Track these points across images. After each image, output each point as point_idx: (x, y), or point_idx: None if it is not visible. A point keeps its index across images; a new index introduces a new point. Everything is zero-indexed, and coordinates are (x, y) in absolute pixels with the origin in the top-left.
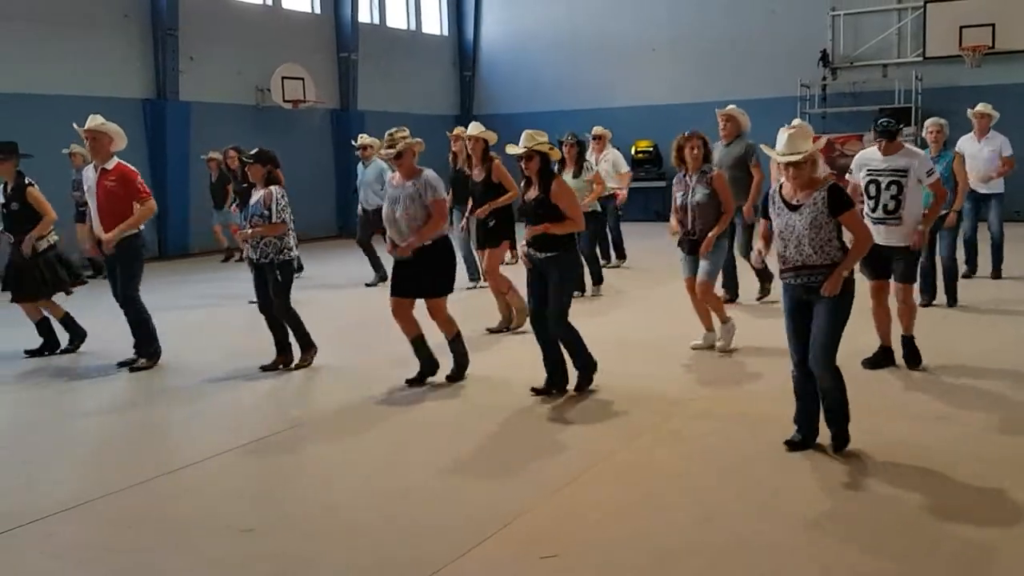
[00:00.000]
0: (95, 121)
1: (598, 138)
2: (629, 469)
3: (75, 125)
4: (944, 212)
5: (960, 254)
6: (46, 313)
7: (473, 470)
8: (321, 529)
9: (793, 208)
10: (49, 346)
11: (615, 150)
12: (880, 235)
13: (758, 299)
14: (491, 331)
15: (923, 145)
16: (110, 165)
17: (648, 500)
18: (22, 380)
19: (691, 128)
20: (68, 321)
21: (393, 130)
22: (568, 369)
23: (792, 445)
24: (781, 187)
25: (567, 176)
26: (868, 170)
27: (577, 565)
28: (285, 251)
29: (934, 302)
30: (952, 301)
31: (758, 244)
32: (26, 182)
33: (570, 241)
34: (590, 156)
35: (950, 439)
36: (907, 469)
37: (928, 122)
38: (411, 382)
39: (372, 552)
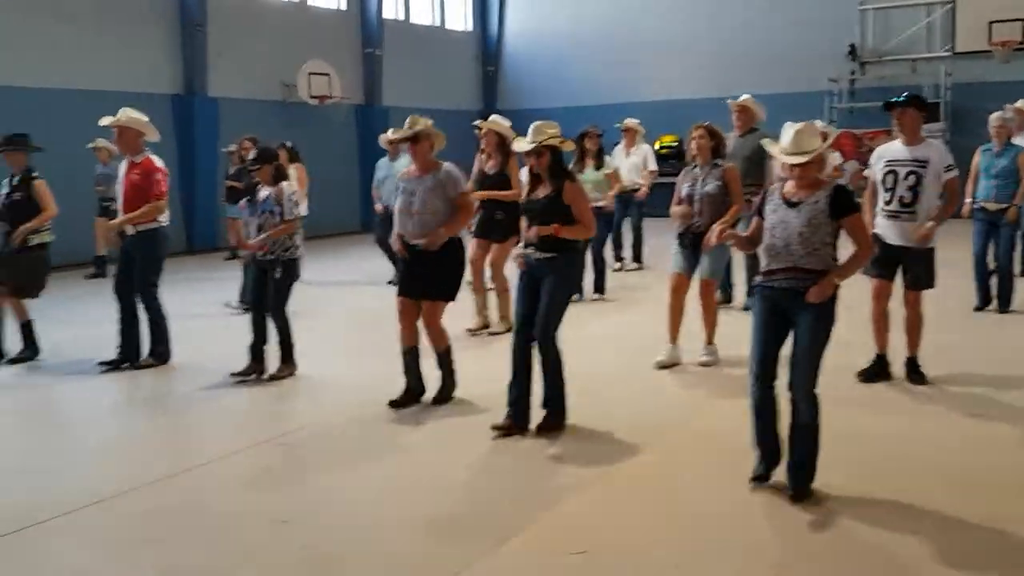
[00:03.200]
0: (124, 114)
1: (628, 131)
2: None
3: (104, 120)
4: (1006, 206)
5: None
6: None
7: (493, 468)
8: (351, 524)
9: (791, 205)
10: (32, 351)
11: (646, 145)
12: (892, 232)
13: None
14: (471, 332)
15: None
16: (139, 159)
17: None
18: (24, 378)
19: (710, 122)
20: (28, 331)
21: (412, 117)
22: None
23: (759, 480)
24: (783, 185)
25: (588, 169)
26: (886, 161)
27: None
28: (291, 249)
29: (988, 307)
30: (1004, 305)
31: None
32: (33, 174)
33: (573, 243)
34: (620, 150)
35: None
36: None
37: (992, 117)
38: (395, 404)
39: (405, 546)
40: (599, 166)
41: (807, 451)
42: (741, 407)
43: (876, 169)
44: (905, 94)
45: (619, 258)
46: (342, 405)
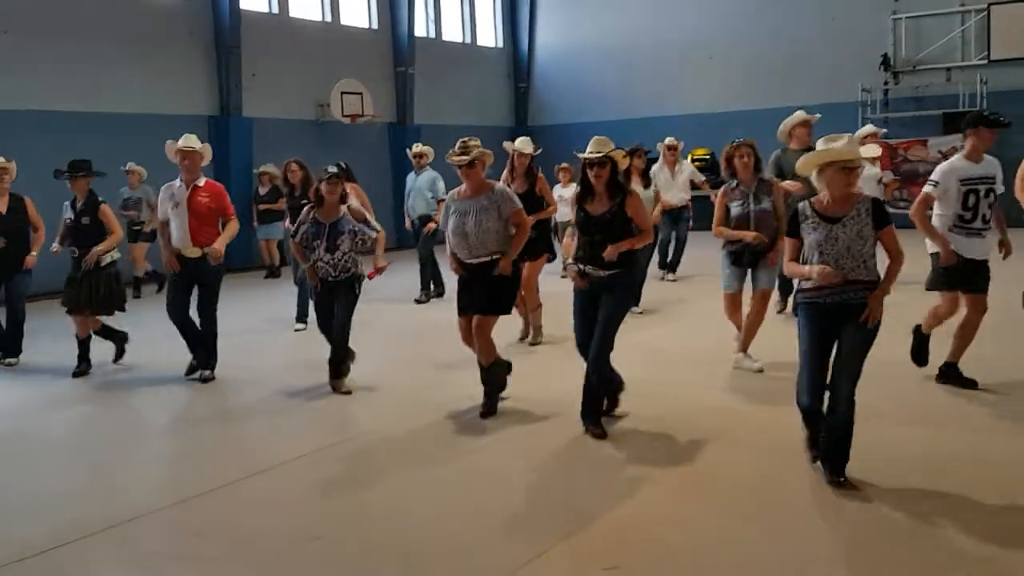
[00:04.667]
0: (189, 140)
1: (672, 148)
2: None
3: (181, 143)
4: None
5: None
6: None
7: (531, 486)
8: (381, 542)
9: (834, 220)
10: (87, 364)
11: (686, 161)
12: (972, 248)
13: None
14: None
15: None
16: (201, 182)
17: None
18: (77, 390)
19: (743, 136)
20: (106, 331)
21: (466, 138)
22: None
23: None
24: (811, 202)
25: (637, 187)
26: (962, 180)
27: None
28: (358, 263)
29: None
30: None
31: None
32: (99, 199)
33: (633, 257)
34: (663, 168)
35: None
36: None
37: None
38: (485, 414)
39: (437, 565)
40: (647, 184)
41: (845, 436)
42: (782, 412)
43: (949, 187)
44: (994, 113)
45: (670, 270)
46: (388, 419)
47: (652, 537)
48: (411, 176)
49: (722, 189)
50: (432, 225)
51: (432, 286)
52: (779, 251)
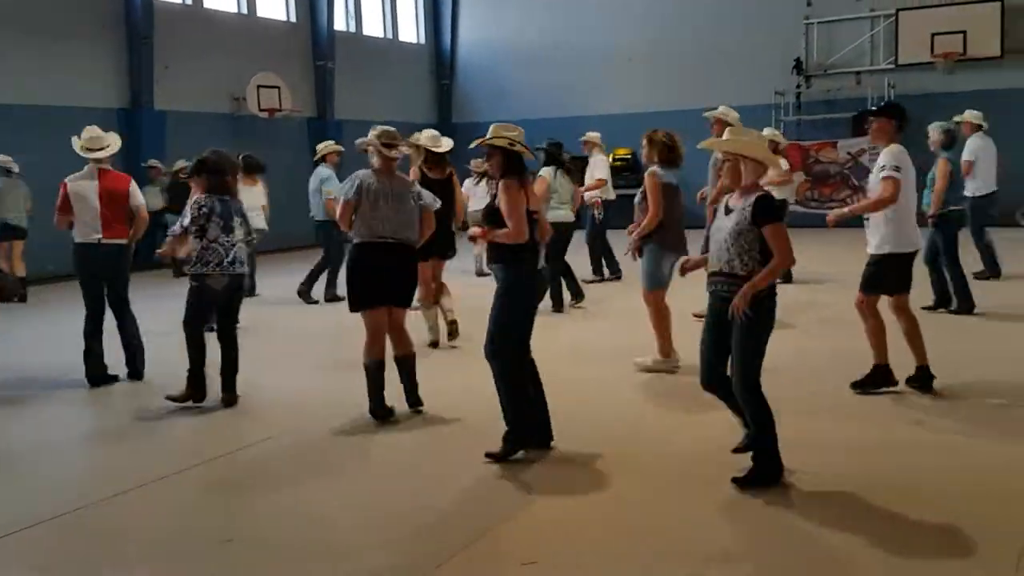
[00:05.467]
0: (93, 136)
1: (586, 144)
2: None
3: (99, 154)
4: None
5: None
6: None
7: (448, 483)
8: (296, 542)
9: (728, 212)
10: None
11: (600, 155)
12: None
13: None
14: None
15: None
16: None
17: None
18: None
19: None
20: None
21: (388, 128)
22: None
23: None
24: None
25: (559, 177)
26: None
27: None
28: (199, 265)
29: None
30: (962, 307)
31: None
32: None
33: (511, 255)
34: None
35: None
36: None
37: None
38: (413, 404)
39: (352, 564)
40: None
41: (758, 428)
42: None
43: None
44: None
45: (598, 272)
46: (301, 421)
47: (570, 533)
48: (322, 169)
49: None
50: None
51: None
52: (634, 245)
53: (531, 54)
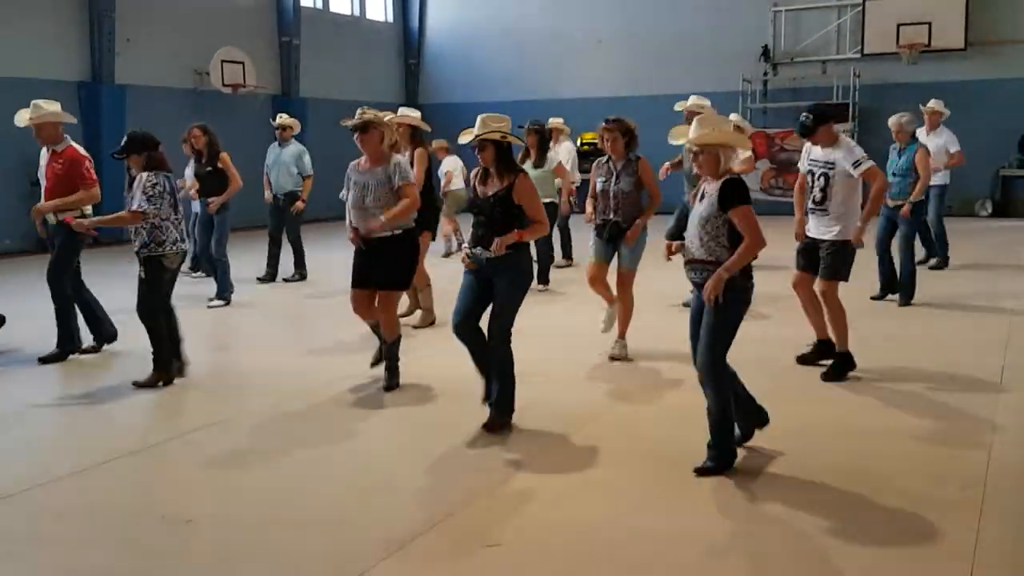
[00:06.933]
0: (36, 111)
1: (552, 130)
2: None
3: (21, 121)
4: (902, 203)
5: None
6: None
7: (412, 465)
8: (259, 521)
9: (702, 198)
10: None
11: (567, 143)
12: (811, 226)
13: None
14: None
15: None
16: (60, 147)
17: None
18: None
19: (615, 117)
20: None
21: (363, 108)
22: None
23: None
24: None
25: (527, 166)
26: (809, 160)
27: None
28: (153, 245)
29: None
30: (905, 299)
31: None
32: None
33: (522, 242)
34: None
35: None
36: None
37: (890, 120)
38: (389, 387)
39: (315, 543)
40: (539, 163)
41: (714, 414)
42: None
43: (803, 167)
44: (809, 116)
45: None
46: (267, 399)
47: (535, 515)
48: (274, 148)
49: (594, 164)
50: (300, 205)
51: (296, 268)
52: (639, 229)
53: (499, 36)
